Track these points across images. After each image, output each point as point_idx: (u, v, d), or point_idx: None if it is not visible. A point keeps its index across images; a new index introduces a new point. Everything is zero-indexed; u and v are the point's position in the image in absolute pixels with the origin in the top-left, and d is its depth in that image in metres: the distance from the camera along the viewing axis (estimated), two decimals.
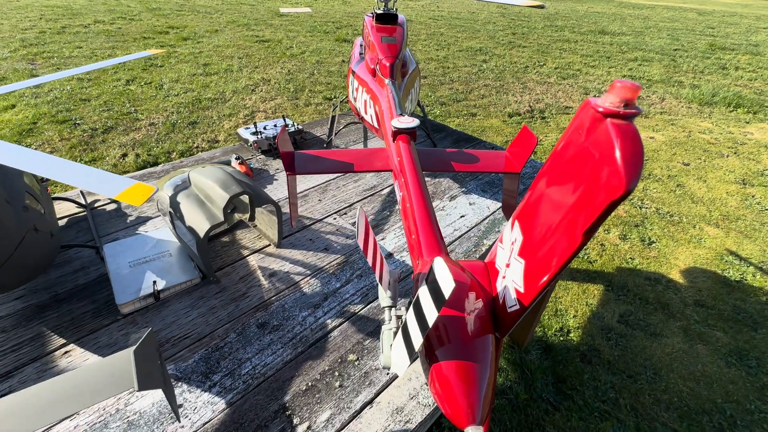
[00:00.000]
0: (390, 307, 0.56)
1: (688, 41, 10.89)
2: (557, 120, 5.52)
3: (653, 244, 3.32)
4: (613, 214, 3.67)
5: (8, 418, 0.52)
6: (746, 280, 2.99)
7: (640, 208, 3.75)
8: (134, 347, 0.55)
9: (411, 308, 0.38)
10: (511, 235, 0.38)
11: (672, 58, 8.97)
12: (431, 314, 0.33)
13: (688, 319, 2.66)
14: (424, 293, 0.35)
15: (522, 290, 0.34)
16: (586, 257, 3.15)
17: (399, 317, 0.52)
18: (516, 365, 2.27)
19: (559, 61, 8.29)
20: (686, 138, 5.19)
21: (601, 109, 0.26)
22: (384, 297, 0.56)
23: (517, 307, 0.36)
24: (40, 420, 0.51)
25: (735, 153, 4.87)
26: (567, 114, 5.75)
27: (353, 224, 1.32)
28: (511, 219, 0.40)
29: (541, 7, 0.89)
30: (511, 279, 0.37)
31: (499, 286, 0.41)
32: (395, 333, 0.49)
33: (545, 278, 0.30)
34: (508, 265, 0.38)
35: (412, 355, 0.38)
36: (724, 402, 2.16)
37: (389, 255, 1.23)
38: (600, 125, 0.26)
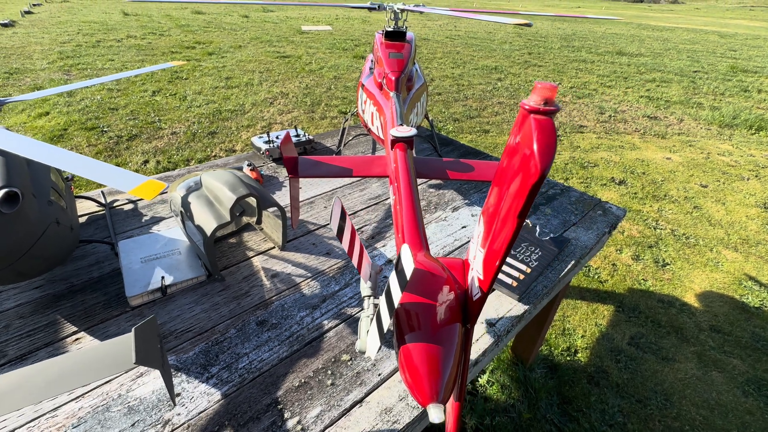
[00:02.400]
0: (369, 297, 0.59)
1: (708, 63, 10.76)
2: (571, 138, 5.51)
3: (667, 266, 3.24)
4: (626, 233, 3.60)
5: (18, 389, 0.56)
6: (766, 306, 2.88)
7: (655, 228, 3.68)
8: (135, 327, 0.59)
9: (383, 294, 0.41)
10: (478, 230, 0.41)
11: (691, 79, 8.87)
12: (397, 294, 0.36)
13: (702, 345, 2.57)
14: (392, 278, 0.38)
15: (482, 278, 0.37)
16: (596, 276, 3.10)
17: (376, 306, 0.55)
18: (519, 383, 2.23)
19: (575, 80, 8.30)
20: (705, 160, 5.09)
21: (527, 107, 0.29)
22: (364, 287, 0.59)
23: (480, 294, 0.39)
24: (47, 392, 0.56)
25: (756, 176, 4.74)
26: (581, 132, 5.73)
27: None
28: (479, 215, 0.43)
29: (528, 25, 0.93)
30: (476, 269, 0.40)
31: (469, 278, 0.44)
32: (371, 320, 0.52)
33: (497, 263, 0.33)
34: (474, 258, 0.41)
35: (383, 337, 0.41)
36: None
37: (389, 261, 1.26)
38: (526, 120, 0.29)
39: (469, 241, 1.37)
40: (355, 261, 0.51)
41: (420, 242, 0.57)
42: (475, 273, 0.39)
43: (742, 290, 3.00)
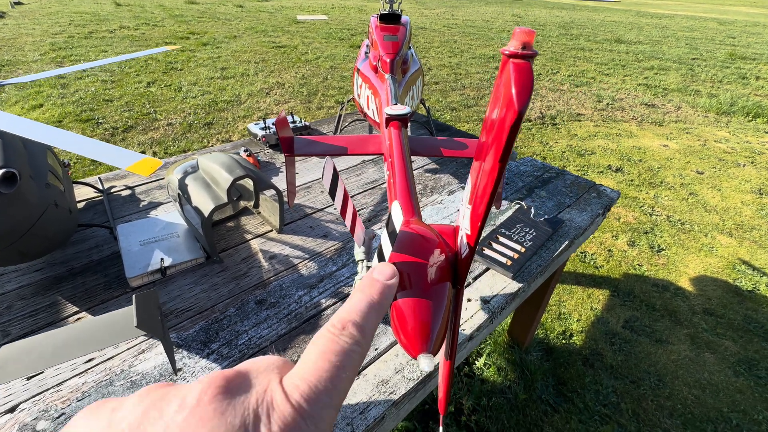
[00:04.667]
0: (362, 261, 0.61)
1: (707, 50, 10.70)
2: (568, 127, 5.50)
3: (662, 252, 3.27)
4: (621, 220, 3.62)
5: (26, 356, 0.58)
6: (759, 290, 2.92)
7: (650, 215, 3.70)
8: (135, 294, 0.60)
9: (375, 254, 0.42)
10: (466, 189, 0.43)
11: (690, 67, 8.83)
12: (388, 249, 0.37)
13: (695, 327, 2.61)
14: (383, 237, 0.39)
15: (469, 233, 0.38)
16: (592, 262, 3.13)
17: (369, 268, 0.56)
18: (516, 365, 2.27)
19: (572, 69, 8.26)
20: (701, 147, 5.11)
21: (507, 53, 0.30)
22: (358, 251, 0.61)
23: (468, 250, 0.40)
24: (54, 359, 0.58)
25: (752, 162, 4.76)
26: (578, 121, 5.72)
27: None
28: (468, 176, 0.44)
29: None
30: (464, 228, 0.41)
31: (459, 240, 0.45)
32: None
33: (482, 213, 0.34)
34: (463, 217, 0.42)
35: None
36: (730, 411, 2.12)
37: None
38: (506, 66, 0.30)
39: None
40: (348, 223, 0.52)
41: (412, 209, 0.58)
42: (464, 231, 0.41)
43: (735, 274, 3.04)
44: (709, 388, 2.22)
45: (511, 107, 0.26)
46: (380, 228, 1.35)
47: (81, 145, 0.75)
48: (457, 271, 0.46)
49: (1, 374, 0.56)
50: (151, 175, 1.39)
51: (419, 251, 0.46)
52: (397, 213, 0.36)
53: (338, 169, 1.74)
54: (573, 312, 2.68)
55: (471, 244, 0.38)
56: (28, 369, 0.57)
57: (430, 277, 0.44)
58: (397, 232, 0.35)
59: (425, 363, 0.38)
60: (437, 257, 0.46)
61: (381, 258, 0.40)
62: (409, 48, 1.63)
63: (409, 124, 1.01)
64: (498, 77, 0.31)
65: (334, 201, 0.46)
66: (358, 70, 1.59)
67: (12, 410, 0.77)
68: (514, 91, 0.25)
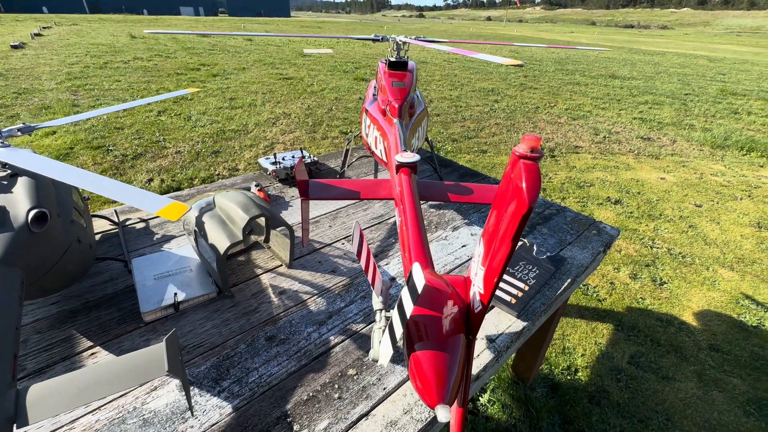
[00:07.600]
0: (380, 310, 0.64)
1: (699, 86, 11.08)
2: (567, 159, 5.63)
3: (665, 285, 3.27)
4: (623, 252, 3.65)
5: (51, 397, 0.60)
6: (764, 325, 2.91)
7: (651, 247, 3.73)
8: (165, 337, 0.63)
9: (395, 307, 0.46)
10: (478, 249, 0.47)
11: (683, 102, 9.12)
12: (409, 307, 0.41)
13: (702, 364, 2.58)
14: (404, 293, 0.43)
15: (483, 292, 0.42)
16: (595, 295, 3.13)
17: (388, 318, 0.60)
18: (520, 402, 2.23)
19: (569, 102, 8.53)
20: (698, 180, 5.20)
21: (518, 153, 0.36)
22: (376, 301, 0.64)
23: (481, 307, 0.44)
24: (80, 399, 0.60)
25: (749, 196, 4.84)
26: (576, 153, 5.86)
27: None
28: (480, 236, 0.49)
29: (520, 65, 1.02)
30: (477, 285, 0.45)
31: (471, 293, 0.49)
32: (383, 331, 0.57)
33: (495, 279, 0.38)
34: (476, 275, 0.46)
35: (395, 345, 0.46)
36: None
37: (392, 279, 1.31)
38: (517, 164, 0.35)
39: (468, 260, 1.42)
40: (369, 277, 0.56)
41: (426, 261, 0.62)
42: (477, 288, 0.45)
43: (739, 309, 3.03)
44: (719, 429, 2.17)
45: (522, 201, 0.30)
46: (386, 264, 1.39)
47: (113, 190, 0.80)
48: (469, 323, 0.49)
49: (31, 415, 0.58)
50: None
51: (435, 304, 0.50)
52: (418, 275, 0.40)
53: (345, 205, 1.80)
54: (577, 347, 2.66)
55: (485, 303, 0.42)
56: (54, 409, 0.59)
57: (445, 329, 0.48)
58: (419, 292, 0.39)
59: (443, 414, 0.41)
60: (451, 309, 0.50)
61: (401, 311, 0.44)
62: (415, 91, 1.73)
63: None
64: (509, 165, 0.36)
65: (360, 259, 0.50)
66: (367, 110, 1.68)
67: None
68: (524, 186, 0.30)
